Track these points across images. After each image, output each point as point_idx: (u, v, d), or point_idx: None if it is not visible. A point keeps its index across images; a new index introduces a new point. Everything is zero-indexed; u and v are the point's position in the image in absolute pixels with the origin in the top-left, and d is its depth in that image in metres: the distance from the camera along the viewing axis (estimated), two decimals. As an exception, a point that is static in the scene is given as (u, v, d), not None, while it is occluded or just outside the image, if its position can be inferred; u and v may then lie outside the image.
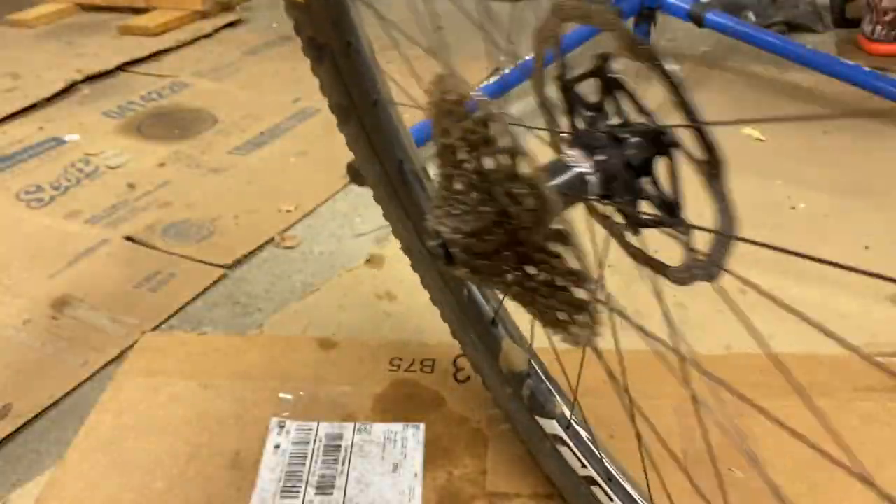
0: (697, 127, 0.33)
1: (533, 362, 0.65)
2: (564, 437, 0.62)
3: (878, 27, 1.74)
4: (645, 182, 0.39)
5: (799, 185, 1.19)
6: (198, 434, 0.76)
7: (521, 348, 0.64)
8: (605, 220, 0.43)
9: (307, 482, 0.71)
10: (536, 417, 0.64)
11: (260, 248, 1.09)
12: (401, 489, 0.70)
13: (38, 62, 1.75)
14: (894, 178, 1.21)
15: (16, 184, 1.25)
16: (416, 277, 0.72)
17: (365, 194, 1.25)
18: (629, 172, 0.39)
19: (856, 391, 0.79)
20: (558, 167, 0.39)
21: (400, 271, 1.01)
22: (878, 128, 1.36)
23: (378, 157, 0.64)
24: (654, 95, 0.36)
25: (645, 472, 0.56)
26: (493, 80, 1.43)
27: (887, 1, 1.71)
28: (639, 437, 0.51)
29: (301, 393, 0.81)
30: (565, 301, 0.37)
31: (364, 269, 1.03)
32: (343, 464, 0.73)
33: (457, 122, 0.37)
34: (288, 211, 1.18)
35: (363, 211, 1.19)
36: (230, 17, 2.04)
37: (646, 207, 0.39)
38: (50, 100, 1.55)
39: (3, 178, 1.26)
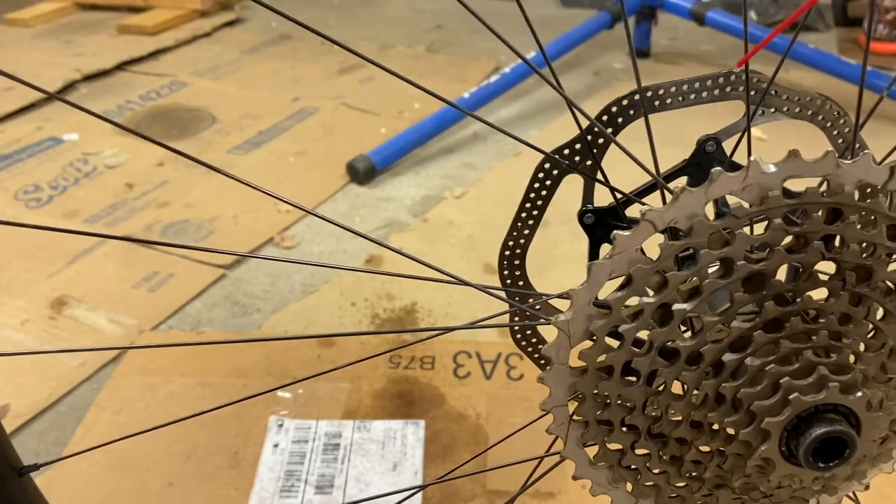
0: None
1: None
2: None
3: (880, 26, 1.74)
4: None
5: (800, 184, 1.18)
6: (196, 433, 0.75)
7: None
8: None
9: (306, 481, 0.70)
10: None
11: (259, 248, 1.09)
12: (401, 488, 0.69)
13: (37, 61, 1.74)
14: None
15: (14, 183, 1.24)
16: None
17: (364, 194, 1.24)
18: None
19: None
20: None
21: (399, 272, 1.01)
22: (878, 126, 1.35)
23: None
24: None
25: None
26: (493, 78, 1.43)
27: (889, 0, 1.71)
28: None
29: (300, 391, 0.80)
30: None
31: (363, 268, 1.03)
32: (342, 462, 0.72)
33: None
34: (287, 211, 1.17)
35: (363, 211, 1.19)
36: (229, 16, 2.04)
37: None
38: (48, 99, 1.55)
39: (1, 177, 1.26)
